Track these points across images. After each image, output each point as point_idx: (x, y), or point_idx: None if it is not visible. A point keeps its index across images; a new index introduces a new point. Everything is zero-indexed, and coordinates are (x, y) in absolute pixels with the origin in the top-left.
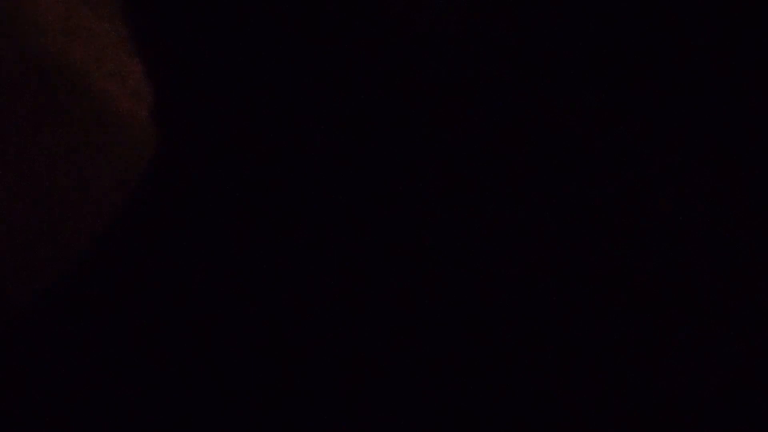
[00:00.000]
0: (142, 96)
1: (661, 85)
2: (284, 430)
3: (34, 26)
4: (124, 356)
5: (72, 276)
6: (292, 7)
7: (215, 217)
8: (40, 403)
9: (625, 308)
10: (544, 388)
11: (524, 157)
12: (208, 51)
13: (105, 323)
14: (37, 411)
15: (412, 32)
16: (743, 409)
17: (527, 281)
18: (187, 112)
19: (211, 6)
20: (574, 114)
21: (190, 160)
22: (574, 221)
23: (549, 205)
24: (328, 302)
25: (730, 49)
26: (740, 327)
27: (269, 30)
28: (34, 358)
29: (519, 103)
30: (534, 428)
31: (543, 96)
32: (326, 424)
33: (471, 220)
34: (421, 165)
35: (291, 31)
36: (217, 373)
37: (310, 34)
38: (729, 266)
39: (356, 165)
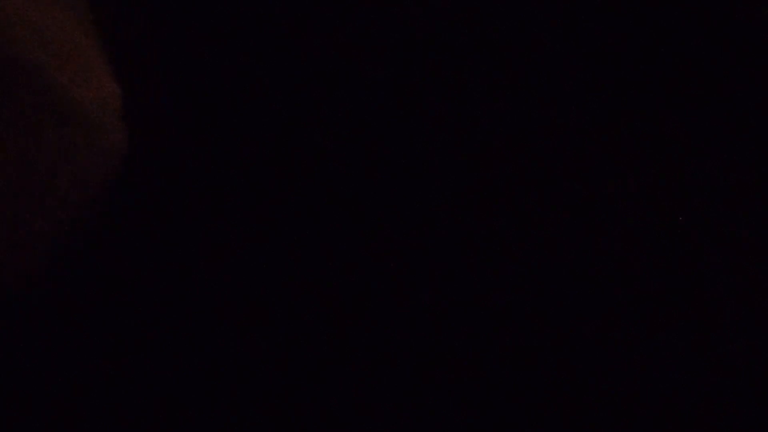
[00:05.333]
0: (110, 96)
1: (661, 85)
2: (284, 430)
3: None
4: (119, 355)
5: (60, 274)
6: (292, 4)
7: (197, 215)
8: (28, 402)
9: (625, 308)
10: (544, 388)
11: (524, 156)
12: (275, 67)
13: (96, 321)
14: (25, 411)
15: (413, 32)
16: (743, 409)
17: (527, 281)
18: (158, 110)
19: (277, 21)
20: (574, 114)
21: (160, 159)
22: (574, 221)
23: (549, 205)
24: (328, 302)
25: (731, 49)
26: (740, 327)
27: (260, 28)
28: (32, 355)
29: (519, 103)
30: (534, 428)
31: (543, 96)
32: (326, 424)
33: (471, 219)
34: (421, 164)
35: (288, 28)
36: (215, 373)
37: (308, 32)
38: (729, 266)
39: (355, 164)
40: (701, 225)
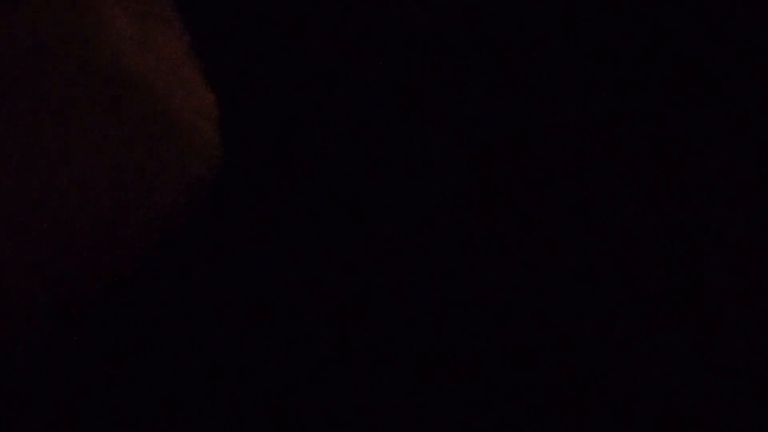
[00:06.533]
0: (208, 111)
1: (661, 85)
2: (284, 430)
3: (109, 45)
4: (119, 355)
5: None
6: (293, 8)
7: (196, 215)
8: (39, 404)
9: (625, 308)
10: (544, 388)
11: (524, 156)
12: (275, 67)
13: (96, 321)
14: (25, 411)
15: (413, 32)
16: (743, 409)
17: (527, 281)
18: (250, 126)
19: (276, 21)
20: (574, 114)
21: (249, 174)
22: (574, 221)
23: (549, 205)
24: (328, 302)
25: (731, 49)
26: (740, 327)
27: (260, 28)
28: (37, 359)
29: (519, 103)
30: (534, 428)
31: (543, 96)
32: (327, 424)
33: (471, 219)
34: (421, 164)
35: (292, 33)
36: (215, 373)
37: (310, 34)
38: (729, 266)
39: (355, 164)
40: (701, 225)
